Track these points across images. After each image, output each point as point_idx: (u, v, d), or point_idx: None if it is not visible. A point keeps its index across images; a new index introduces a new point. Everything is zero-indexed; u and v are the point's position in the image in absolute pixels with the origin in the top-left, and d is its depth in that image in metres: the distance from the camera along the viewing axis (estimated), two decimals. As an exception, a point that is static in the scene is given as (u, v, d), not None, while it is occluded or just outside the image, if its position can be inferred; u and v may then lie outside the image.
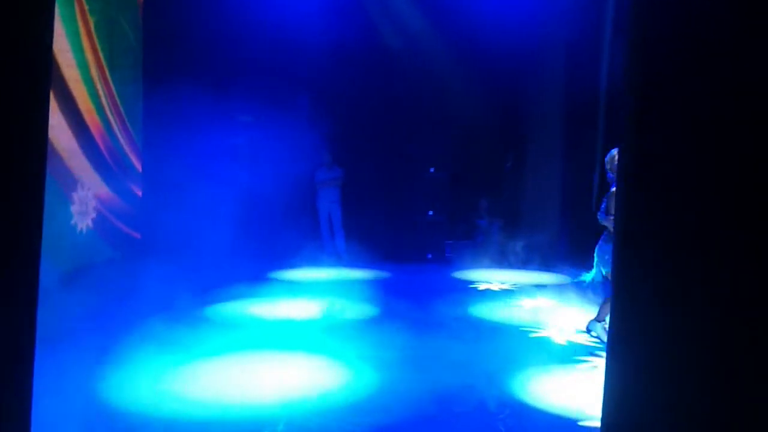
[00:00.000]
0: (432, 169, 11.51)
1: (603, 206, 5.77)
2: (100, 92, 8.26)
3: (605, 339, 5.41)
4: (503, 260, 10.52)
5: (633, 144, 2.26)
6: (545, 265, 10.33)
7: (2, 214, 1.90)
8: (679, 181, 2.04)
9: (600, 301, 6.45)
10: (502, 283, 9.07)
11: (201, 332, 5.94)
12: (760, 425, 1.79)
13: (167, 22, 9.58)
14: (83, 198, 7.81)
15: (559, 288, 8.68)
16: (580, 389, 4.75)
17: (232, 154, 10.67)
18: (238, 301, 7.48)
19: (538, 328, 6.54)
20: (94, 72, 8.08)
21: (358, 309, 7.26)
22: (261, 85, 10.63)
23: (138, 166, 9.42)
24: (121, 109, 8.85)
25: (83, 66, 7.79)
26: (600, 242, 5.90)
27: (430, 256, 11.14)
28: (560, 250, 10.65)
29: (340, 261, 10.63)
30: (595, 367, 5.20)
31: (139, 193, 9.44)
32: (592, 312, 6.65)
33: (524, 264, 10.34)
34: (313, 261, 10.23)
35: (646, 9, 2.19)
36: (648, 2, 2.18)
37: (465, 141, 11.76)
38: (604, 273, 5.86)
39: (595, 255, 5.95)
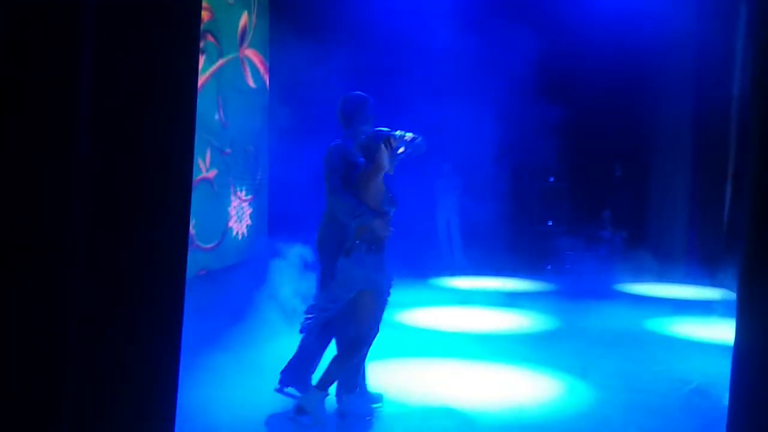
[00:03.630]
0: (551, 179, 11.30)
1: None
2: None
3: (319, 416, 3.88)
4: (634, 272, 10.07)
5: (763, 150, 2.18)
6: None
7: (153, 219, 2.06)
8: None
9: None
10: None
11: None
12: None
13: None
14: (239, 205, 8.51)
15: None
16: None
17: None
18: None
19: None
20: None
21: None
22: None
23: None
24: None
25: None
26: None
27: (549, 266, 10.93)
28: (692, 261, 10.15)
29: (458, 269, 10.63)
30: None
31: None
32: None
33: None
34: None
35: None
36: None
37: (586, 149, 11.45)
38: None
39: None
